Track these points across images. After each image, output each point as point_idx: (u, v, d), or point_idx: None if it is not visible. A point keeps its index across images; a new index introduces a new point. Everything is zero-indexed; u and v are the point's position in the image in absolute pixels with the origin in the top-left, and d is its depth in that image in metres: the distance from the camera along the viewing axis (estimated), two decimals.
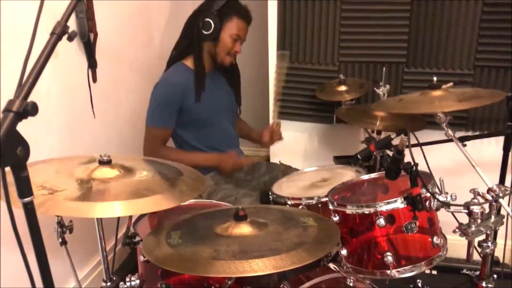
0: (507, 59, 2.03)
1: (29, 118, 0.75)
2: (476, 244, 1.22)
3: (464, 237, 1.15)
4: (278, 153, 2.50)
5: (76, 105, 1.94)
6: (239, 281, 1.20)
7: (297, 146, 2.48)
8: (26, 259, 0.77)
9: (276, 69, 2.35)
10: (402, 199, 1.22)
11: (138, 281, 1.27)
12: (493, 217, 1.15)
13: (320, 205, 1.50)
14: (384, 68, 2.12)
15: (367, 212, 1.27)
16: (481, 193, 1.16)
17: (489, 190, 1.17)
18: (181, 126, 1.91)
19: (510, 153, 1.68)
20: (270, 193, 1.63)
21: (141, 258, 1.30)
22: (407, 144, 1.16)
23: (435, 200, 1.20)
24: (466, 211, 1.14)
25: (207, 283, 1.24)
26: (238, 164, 1.90)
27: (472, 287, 1.31)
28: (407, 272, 1.24)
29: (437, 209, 1.22)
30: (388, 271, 1.24)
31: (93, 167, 1.19)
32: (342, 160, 2.05)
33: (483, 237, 1.19)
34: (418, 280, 1.51)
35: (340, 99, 2.09)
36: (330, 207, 1.36)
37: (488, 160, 1.74)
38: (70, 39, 0.83)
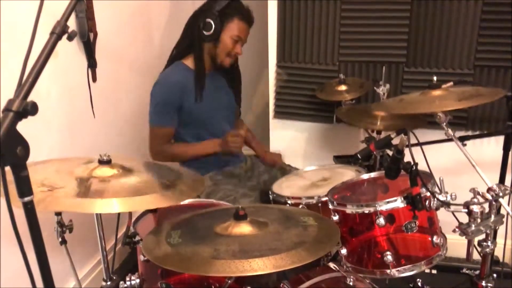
0: (507, 59, 2.03)
1: (29, 117, 0.75)
2: (476, 243, 1.22)
3: (464, 237, 1.15)
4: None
5: (76, 104, 1.94)
6: (239, 281, 1.20)
7: (297, 146, 2.48)
8: (26, 258, 0.77)
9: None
10: (402, 198, 1.22)
11: (138, 281, 1.27)
12: (493, 216, 1.15)
13: (320, 204, 1.50)
14: (384, 67, 2.12)
15: (367, 212, 1.27)
16: (481, 193, 1.16)
17: (489, 190, 1.17)
18: (180, 125, 1.91)
19: (510, 152, 1.68)
20: (270, 193, 1.63)
21: (141, 258, 1.30)
22: (407, 143, 1.16)
23: (435, 199, 1.20)
24: (466, 210, 1.14)
25: (207, 282, 1.24)
26: (238, 143, 1.88)
27: (472, 287, 1.31)
28: (407, 272, 1.24)
29: (437, 208, 1.22)
30: (388, 271, 1.25)
31: (92, 167, 1.19)
32: (342, 159, 2.05)
33: (483, 236, 1.19)
34: (418, 280, 1.52)
35: (340, 98, 2.09)
36: (330, 206, 1.36)
37: (488, 160, 1.74)
38: (70, 38, 0.83)
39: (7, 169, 0.73)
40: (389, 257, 1.23)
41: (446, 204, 1.18)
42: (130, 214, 1.26)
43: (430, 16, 2.09)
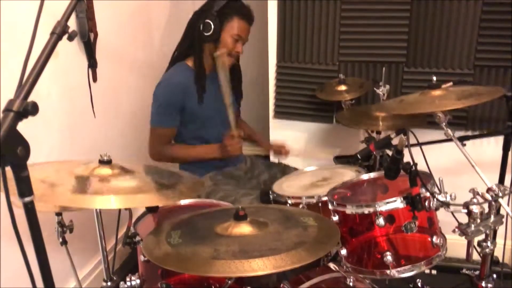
0: (507, 59, 2.03)
1: (29, 117, 0.75)
2: (475, 243, 1.22)
3: (463, 237, 1.15)
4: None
5: (77, 105, 1.95)
6: (239, 281, 1.21)
7: (297, 146, 2.48)
8: (27, 258, 0.77)
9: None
10: (402, 199, 1.22)
11: (138, 281, 1.27)
12: (492, 216, 1.15)
13: (320, 204, 1.50)
14: (384, 68, 2.12)
15: (367, 212, 1.27)
16: (480, 193, 1.16)
17: (489, 190, 1.17)
18: (182, 125, 1.91)
19: (509, 152, 1.68)
20: (270, 192, 1.64)
21: (141, 258, 1.30)
22: (406, 143, 1.16)
23: (435, 199, 1.20)
24: (466, 210, 1.14)
25: (207, 282, 1.24)
26: (236, 146, 1.88)
27: (472, 287, 1.31)
28: (406, 272, 1.24)
29: (437, 208, 1.22)
30: (388, 271, 1.25)
31: (92, 167, 1.19)
32: (342, 160, 2.05)
33: (482, 236, 1.19)
34: (417, 280, 1.52)
35: (340, 98, 2.09)
36: (330, 207, 1.36)
37: (487, 160, 1.74)
38: (70, 39, 0.83)
39: (7, 169, 0.73)
40: (389, 257, 1.23)
41: (446, 205, 1.18)
42: (130, 214, 1.26)
43: (430, 16, 2.09)
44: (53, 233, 1.49)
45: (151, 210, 1.25)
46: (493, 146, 2.16)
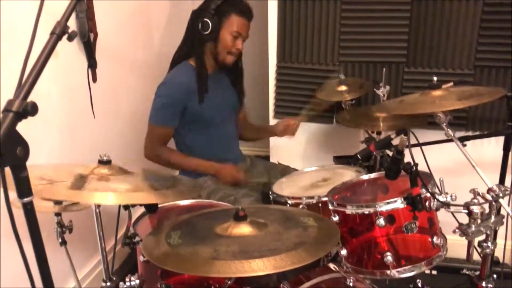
0: (507, 59, 2.03)
1: (29, 118, 0.75)
2: (476, 244, 1.21)
3: (464, 237, 1.15)
4: (278, 153, 2.50)
5: (76, 105, 1.94)
6: (239, 281, 1.20)
7: (297, 146, 2.48)
8: (26, 259, 0.77)
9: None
10: (402, 199, 1.22)
11: (138, 281, 1.27)
12: (493, 217, 1.15)
13: (320, 204, 1.50)
14: (384, 68, 2.12)
15: (367, 212, 1.27)
16: (481, 193, 1.16)
17: (489, 190, 1.17)
18: (181, 124, 1.91)
19: (510, 153, 1.68)
20: (270, 193, 1.63)
21: (141, 258, 1.30)
22: (406, 144, 1.16)
23: (435, 200, 1.20)
24: (466, 211, 1.14)
25: (207, 283, 1.24)
26: (237, 180, 1.88)
27: (472, 287, 1.31)
28: (407, 272, 1.24)
29: (437, 209, 1.22)
30: (388, 271, 1.24)
31: (92, 167, 1.20)
32: (342, 160, 2.05)
33: (483, 237, 1.19)
34: (418, 280, 1.51)
35: (340, 99, 2.09)
36: (330, 207, 1.36)
37: (488, 160, 1.74)
38: (70, 39, 0.83)
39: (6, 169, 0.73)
40: (389, 257, 1.23)
41: (446, 205, 1.18)
42: (129, 214, 1.25)
43: (430, 16, 2.09)
44: (53, 233, 1.49)
45: (150, 210, 1.25)
46: (493, 146, 2.16)
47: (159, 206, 1.36)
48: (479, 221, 1.13)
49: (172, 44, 1.99)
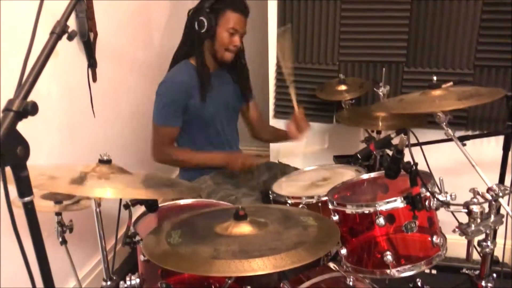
0: (507, 59, 2.03)
1: (29, 117, 0.75)
2: (475, 243, 1.21)
3: (463, 237, 1.15)
4: (278, 153, 2.50)
5: (76, 104, 1.95)
6: (239, 281, 1.20)
7: (297, 146, 2.48)
8: (26, 258, 0.77)
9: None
10: (402, 198, 1.22)
11: (138, 281, 1.27)
12: (492, 216, 1.15)
13: (320, 204, 1.50)
14: (384, 68, 2.12)
15: (367, 212, 1.27)
16: (480, 193, 1.16)
17: (489, 190, 1.17)
18: (184, 123, 1.90)
19: (509, 152, 1.68)
20: (270, 192, 1.63)
21: (141, 258, 1.30)
22: (406, 143, 1.16)
23: (435, 199, 1.20)
24: (466, 210, 1.14)
25: (207, 282, 1.24)
26: (247, 164, 1.87)
27: (472, 287, 1.31)
28: (406, 272, 1.24)
29: (437, 208, 1.22)
30: (388, 271, 1.24)
31: (92, 166, 1.20)
32: (342, 159, 2.05)
33: (482, 236, 1.19)
34: (417, 280, 1.51)
35: (340, 98, 2.09)
36: (330, 206, 1.36)
37: (487, 160, 1.74)
38: (70, 38, 0.83)
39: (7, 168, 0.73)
40: (389, 257, 1.23)
41: (446, 204, 1.18)
42: (130, 214, 1.26)
43: (430, 16, 2.09)
44: (53, 233, 1.49)
45: (150, 209, 1.25)
46: (493, 146, 2.16)
47: (159, 206, 1.36)
48: (478, 220, 1.13)
49: (172, 44, 1.99)
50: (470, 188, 1.17)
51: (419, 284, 1.50)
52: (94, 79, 2.02)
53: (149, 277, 1.31)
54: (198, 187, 1.84)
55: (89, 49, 1.96)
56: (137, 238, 1.30)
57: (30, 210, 0.77)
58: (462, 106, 1.40)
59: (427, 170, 1.33)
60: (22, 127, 0.74)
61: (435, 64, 2.14)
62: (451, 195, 1.20)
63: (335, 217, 1.33)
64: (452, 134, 1.39)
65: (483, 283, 1.27)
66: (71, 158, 1.89)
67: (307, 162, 2.22)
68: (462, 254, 1.26)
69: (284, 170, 2.01)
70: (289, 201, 1.55)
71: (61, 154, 1.85)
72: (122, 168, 1.23)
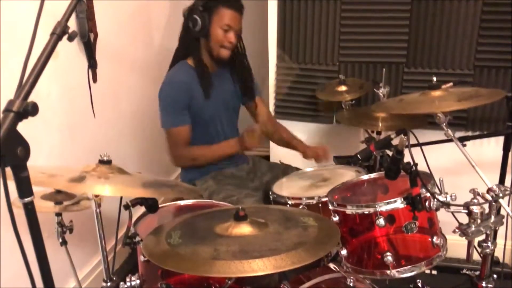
0: (507, 59, 2.03)
1: (29, 118, 0.75)
2: (476, 244, 1.21)
3: (464, 237, 1.15)
4: (279, 153, 2.50)
5: (77, 105, 1.95)
6: (239, 281, 1.20)
7: None
8: (27, 259, 0.77)
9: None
10: (402, 199, 1.22)
11: (138, 281, 1.27)
12: (493, 217, 1.15)
13: (320, 204, 1.50)
14: (384, 68, 2.12)
15: (367, 212, 1.27)
16: (481, 193, 1.16)
17: (489, 190, 1.17)
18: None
19: (510, 153, 1.68)
20: (270, 193, 1.63)
21: (141, 258, 1.30)
22: (406, 144, 1.16)
23: (435, 200, 1.20)
24: (466, 211, 1.14)
25: (207, 283, 1.24)
26: (255, 144, 1.84)
27: (472, 287, 1.31)
28: (407, 272, 1.24)
29: (437, 209, 1.22)
30: (388, 271, 1.24)
31: (92, 166, 1.20)
32: (342, 160, 2.05)
33: (483, 237, 1.19)
34: (418, 280, 1.51)
35: (340, 99, 2.09)
36: (330, 207, 1.36)
37: (488, 160, 1.74)
38: (70, 39, 0.83)
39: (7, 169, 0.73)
40: (389, 257, 1.23)
41: (446, 205, 1.18)
42: (130, 214, 1.26)
43: (430, 16, 2.09)
44: (53, 233, 1.49)
45: (150, 210, 1.25)
46: (493, 146, 2.16)
47: (159, 206, 1.36)
48: (479, 221, 1.13)
49: (172, 44, 1.99)
50: (470, 188, 1.17)
51: (419, 284, 1.50)
52: (94, 80, 2.02)
53: (149, 278, 1.30)
54: (197, 189, 1.84)
55: (89, 49, 1.96)
56: (137, 238, 1.30)
57: (30, 211, 0.77)
58: (462, 107, 1.40)
59: (427, 170, 1.33)
60: (22, 127, 0.74)
61: (435, 65, 2.14)
62: (451, 196, 1.20)
63: (335, 218, 1.33)
64: (452, 135, 1.39)
65: (484, 284, 1.27)
66: (71, 158, 1.89)
67: (307, 162, 2.22)
68: (463, 255, 1.26)
69: (286, 171, 2.01)
70: (289, 202, 1.55)
71: (61, 154, 1.85)
72: (121, 169, 1.24)
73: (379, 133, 2.03)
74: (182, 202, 1.58)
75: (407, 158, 1.18)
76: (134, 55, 2.45)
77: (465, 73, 2.11)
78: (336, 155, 2.16)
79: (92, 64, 1.98)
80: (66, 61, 1.82)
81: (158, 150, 2.66)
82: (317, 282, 1.28)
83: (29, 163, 0.76)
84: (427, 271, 1.71)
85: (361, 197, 1.49)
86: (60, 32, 0.81)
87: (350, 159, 1.89)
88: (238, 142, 1.88)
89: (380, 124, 1.92)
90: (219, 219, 1.18)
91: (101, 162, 1.20)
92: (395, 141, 1.34)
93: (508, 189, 1.17)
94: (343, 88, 2.09)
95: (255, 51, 2.69)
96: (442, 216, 1.27)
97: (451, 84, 1.56)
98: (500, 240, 1.48)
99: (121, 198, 1.24)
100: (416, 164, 1.16)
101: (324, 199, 1.47)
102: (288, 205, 1.54)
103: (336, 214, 1.34)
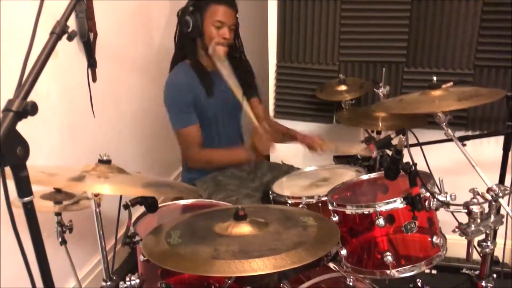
0: (507, 59, 2.03)
1: (29, 117, 0.75)
2: (475, 243, 1.22)
3: (463, 237, 1.15)
4: (279, 153, 2.49)
5: (76, 104, 1.95)
6: (239, 281, 1.20)
7: (297, 146, 2.47)
8: (26, 258, 0.77)
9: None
10: (402, 199, 1.22)
11: (138, 281, 1.27)
12: (492, 216, 1.15)
13: (320, 204, 1.50)
14: (384, 68, 2.12)
15: (367, 212, 1.27)
16: (480, 193, 1.16)
17: (489, 190, 1.17)
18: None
19: (509, 152, 1.68)
20: (270, 192, 1.63)
21: (141, 258, 1.30)
22: (405, 144, 1.16)
23: (435, 199, 1.20)
24: (466, 210, 1.14)
25: (207, 282, 1.24)
26: (265, 142, 1.77)
27: (472, 287, 1.31)
28: (406, 272, 1.24)
29: (437, 208, 1.22)
30: (388, 271, 1.24)
31: (92, 166, 1.20)
32: (342, 160, 2.05)
33: (482, 236, 1.19)
34: (418, 280, 1.51)
35: (340, 99, 2.09)
36: (330, 207, 1.36)
37: (487, 160, 1.74)
38: (70, 38, 0.83)
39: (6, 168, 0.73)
40: (389, 257, 1.23)
41: (446, 205, 1.18)
42: (130, 214, 1.26)
43: (430, 16, 2.09)
44: (53, 233, 1.49)
45: (150, 209, 1.25)
46: (493, 146, 2.16)
47: (159, 206, 1.36)
48: (478, 220, 1.13)
49: (172, 44, 1.99)
50: (470, 188, 1.17)
51: (419, 284, 1.50)
52: (94, 79, 2.02)
53: (149, 277, 1.30)
54: (197, 189, 1.84)
55: (89, 49, 1.96)
56: (137, 238, 1.30)
57: (30, 210, 0.77)
58: (462, 107, 1.40)
59: (427, 170, 1.33)
60: (22, 127, 0.74)
61: (435, 64, 2.14)
62: (451, 195, 1.20)
63: (335, 218, 1.33)
64: (452, 134, 1.39)
65: (483, 283, 1.27)
66: (71, 158, 1.89)
67: (307, 162, 2.22)
68: (462, 254, 1.26)
69: (287, 171, 2.00)
70: (289, 201, 1.55)
71: (61, 154, 1.85)
72: (121, 169, 1.24)
73: (379, 132, 2.03)
74: (182, 202, 1.58)
75: (406, 158, 1.18)
76: (134, 55, 2.45)
77: (465, 72, 2.11)
78: (336, 155, 2.16)
79: (92, 64, 1.98)
80: (65, 60, 1.82)
81: (158, 150, 2.66)
82: (316, 281, 1.28)
83: (29, 163, 0.76)
84: (427, 271, 1.72)
85: (360, 197, 1.49)
86: (59, 32, 0.81)
87: (350, 158, 1.89)
88: (251, 149, 1.81)
89: (380, 124, 1.92)
90: (218, 219, 1.18)
91: (101, 161, 1.20)
92: (395, 141, 1.34)
93: (508, 188, 1.17)
94: (343, 87, 2.09)
95: (255, 51, 2.69)
96: (442, 215, 1.27)
97: (451, 83, 1.56)
98: (499, 240, 1.48)
99: (121, 197, 1.24)
100: (415, 164, 1.16)
101: (324, 199, 1.47)
102: (287, 204, 1.54)
103: (335, 214, 1.34)
